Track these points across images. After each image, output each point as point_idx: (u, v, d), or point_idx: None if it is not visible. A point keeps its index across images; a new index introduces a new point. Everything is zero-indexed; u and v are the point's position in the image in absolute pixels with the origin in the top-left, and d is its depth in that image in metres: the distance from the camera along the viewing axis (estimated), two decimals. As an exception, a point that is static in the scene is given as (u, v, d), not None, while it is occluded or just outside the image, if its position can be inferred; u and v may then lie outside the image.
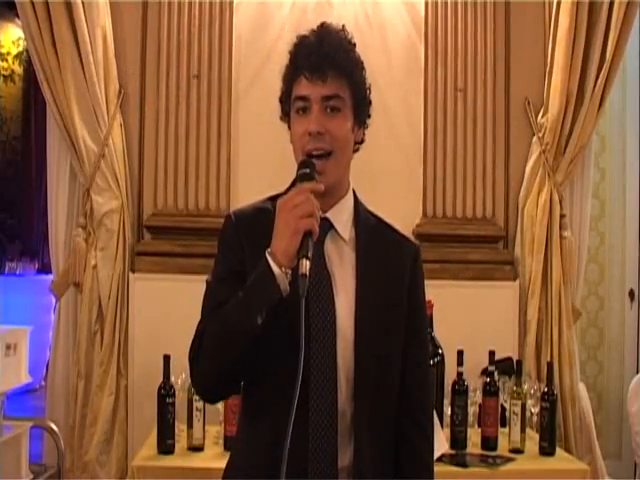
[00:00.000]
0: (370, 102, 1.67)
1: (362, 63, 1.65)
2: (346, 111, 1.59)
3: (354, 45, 1.65)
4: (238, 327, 1.47)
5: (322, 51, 1.56)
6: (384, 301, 1.60)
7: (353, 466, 1.54)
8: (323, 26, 1.62)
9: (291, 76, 1.61)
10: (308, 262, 1.41)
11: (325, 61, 1.55)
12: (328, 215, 1.61)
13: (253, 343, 1.47)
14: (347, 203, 1.66)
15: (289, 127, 1.65)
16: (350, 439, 1.55)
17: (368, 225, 1.67)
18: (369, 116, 1.67)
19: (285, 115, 1.65)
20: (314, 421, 1.52)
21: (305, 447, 1.51)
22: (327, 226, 1.60)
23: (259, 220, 1.57)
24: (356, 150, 1.67)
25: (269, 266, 1.44)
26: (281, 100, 1.65)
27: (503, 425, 2.99)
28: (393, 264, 1.65)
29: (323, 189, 1.50)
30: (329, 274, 1.58)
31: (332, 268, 1.59)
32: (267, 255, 1.45)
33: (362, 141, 1.68)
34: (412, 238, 1.76)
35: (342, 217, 1.63)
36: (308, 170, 1.52)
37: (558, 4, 3.53)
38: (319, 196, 1.50)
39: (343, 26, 1.65)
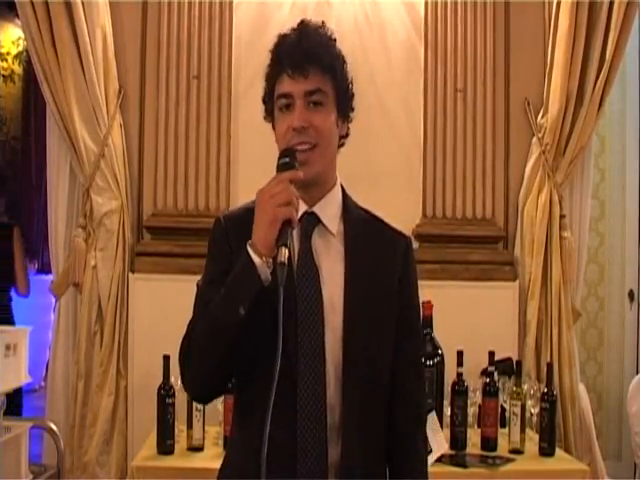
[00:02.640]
0: (353, 95, 1.67)
1: (343, 57, 1.66)
2: (329, 105, 1.60)
3: (335, 40, 1.65)
4: (222, 321, 1.47)
5: (303, 47, 1.57)
6: (374, 295, 1.60)
7: (341, 462, 1.54)
8: (303, 23, 1.63)
9: (273, 75, 1.61)
10: (287, 250, 1.42)
11: (306, 57, 1.56)
12: (315, 209, 1.61)
13: (239, 336, 1.46)
14: (334, 197, 1.66)
15: (273, 127, 1.65)
16: (339, 435, 1.54)
17: (357, 219, 1.67)
18: (352, 109, 1.67)
19: (269, 114, 1.66)
20: (302, 416, 1.51)
21: (294, 443, 1.50)
22: (314, 220, 1.60)
23: (248, 221, 1.55)
24: (341, 145, 1.67)
25: (249, 257, 1.44)
26: (264, 100, 1.66)
27: (503, 426, 2.99)
28: (383, 257, 1.65)
29: (302, 176, 1.50)
30: (317, 268, 1.58)
31: (320, 262, 1.59)
32: (248, 246, 1.46)
33: (347, 135, 1.68)
34: (404, 231, 1.74)
35: (329, 211, 1.63)
36: (288, 159, 1.52)
37: (558, 4, 3.53)
38: (305, 190, 1.50)
39: (323, 22, 1.65)
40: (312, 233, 1.60)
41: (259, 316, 1.44)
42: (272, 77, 1.62)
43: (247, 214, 1.60)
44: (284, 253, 1.41)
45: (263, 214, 1.45)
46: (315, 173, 1.56)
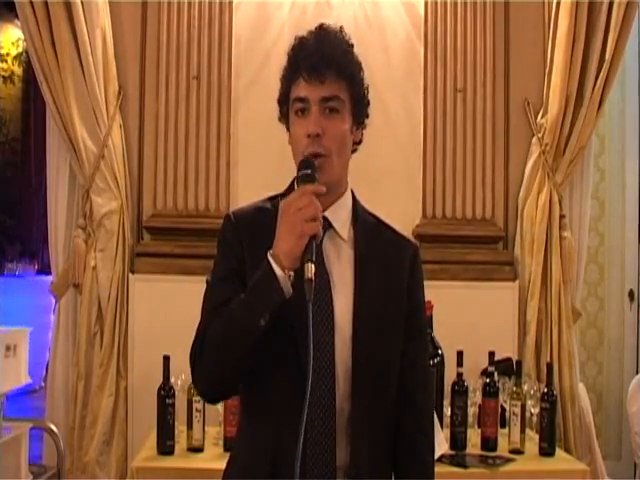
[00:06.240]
0: (368, 103, 1.66)
1: (360, 64, 1.65)
2: (345, 112, 1.59)
3: (352, 46, 1.65)
4: (241, 329, 1.47)
5: (321, 52, 1.56)
6: (382, 300, 1.60)
7: (350, 465, 1.54)
8: (322, 27, 1.62)
9: (289, 77, 1.61)
10: (313, 266, 1.42)
11: (324, 62, 1.55)
12: (326, 214, 1.60)
13: (255, 345, 1.47)
14: (345, 202, 1.66)
15: (287, 128, 1.65)
16: (347, 438, 1.55)
17: (367, 224, 1.67)
18: (367, 116, 1.67)
19: (283, 116, 1.65)
20: (312, 419, 1.51)
21: (303, 445, 1.50)
22: (326, 225, 1.60)
23: (259, 220, 1.57)
24: (354, 150, 1.67)
25: (272, 268, 1.44)
26: (279, 101, 1.65)
27: (503, 426, 2.99)
28: (392, 263, 1.65)
29: (325, 190, 1.50)
30: (327, 273, 1.58)
31: (330, 267, 1.59)
32: (269, 257, 1.45)
33: (360, 141, 1.68)
34: (411, 238, 1.75)
35: (340, 216, 1.63)
36: (309, 171, 1.51)
37: (557, 5, 3.53)
38: (318, 195, 1.50)
39: (341, 27, 1.65)
40: (323, 238, 1.59)
41: (275, 323, 1.45)
42: (288, 79, 1.61)
43: (258, 213, 1.61)
44: (311, 269, 1.41)
45: (291, 228, 1.44)
46: (327, 180, 1.55)
